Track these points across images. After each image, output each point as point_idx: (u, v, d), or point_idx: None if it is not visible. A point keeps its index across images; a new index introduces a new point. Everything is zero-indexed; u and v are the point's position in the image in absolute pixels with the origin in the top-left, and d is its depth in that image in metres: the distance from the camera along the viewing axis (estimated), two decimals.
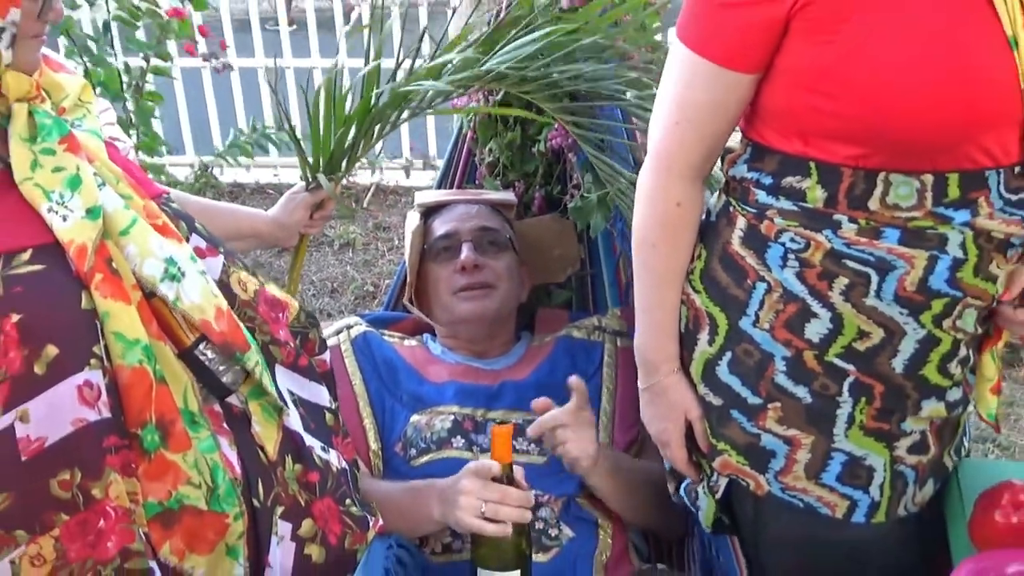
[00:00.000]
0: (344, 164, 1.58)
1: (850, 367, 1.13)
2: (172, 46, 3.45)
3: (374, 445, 1.53)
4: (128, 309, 0.93)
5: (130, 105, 3.26)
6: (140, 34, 3.40)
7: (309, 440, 1.09)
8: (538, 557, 1.40)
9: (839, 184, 1.07)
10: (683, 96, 1.12)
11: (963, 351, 1.15)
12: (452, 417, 1.52)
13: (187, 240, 1.03)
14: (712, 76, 1.08)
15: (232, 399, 1.02)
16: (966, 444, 1.31)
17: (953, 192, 1.04)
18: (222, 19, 4.60)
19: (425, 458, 1.49)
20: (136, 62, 3.37)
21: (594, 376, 1.61)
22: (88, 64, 3.11)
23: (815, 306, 1.12)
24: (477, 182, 1.88)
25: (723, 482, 1.23)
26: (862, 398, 1.14)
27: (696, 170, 1.16)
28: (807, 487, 1.17)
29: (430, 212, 1.76)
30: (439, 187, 1.92)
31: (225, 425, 1.01)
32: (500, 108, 1.74)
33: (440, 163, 2.03)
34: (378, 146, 1.62)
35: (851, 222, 1.08)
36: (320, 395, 1.15)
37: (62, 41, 3.08)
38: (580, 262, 1.84)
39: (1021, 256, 1.12)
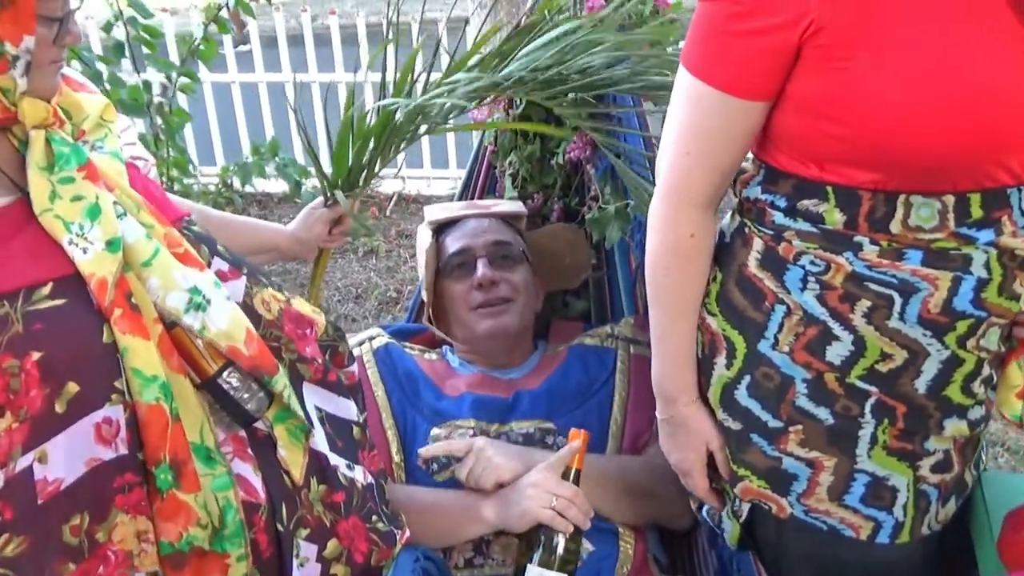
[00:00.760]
0: (362, 180, 1.58)
1: (872, 388, 1.11)
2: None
3: (396, 457, 1.53)
4: (147, 345, 0.92)
5: (158, 120, 3.29)
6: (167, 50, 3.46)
7: (334, 459, 1.09)
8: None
9: (858, 207, 1.05)
10: (691, 123, 1.09)
11: (986, 370, 1.13)
12: (471, 432, 1.52)
13: (209, 265, 1.02)
14: (718, 103, 1.05)
15: (258, 423, 1.02)
16: (984, 458, 1.29)
17: (976, 212, 1.03)
18: (249, 34, 4.71)
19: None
20: (156, 77, 3.40)
21: (606, 382, 1.60)
22: (107, 85, 3.14)
23: (836, 329, 1.10)
24: (497, 193, 1.88)
25: (746, 507, 1.22)
26: (884, 419, 1.12)
27: (708, 198, 1.14)
28: (830, 509, 1.16)
29: (441, 228, 1.75)
30: (460, 199, 1.92)
31: (249, 451, 1.01)
32: (519, 123, 1.73)
33: (460, 172, 2.03)
34: (400, 157, 1.62)
35: (872, 243, 1.06)
36: (348, 409, 1.15)
37: (76, 65, 3.11)
38: (593, 265, 1.83)
39: None
